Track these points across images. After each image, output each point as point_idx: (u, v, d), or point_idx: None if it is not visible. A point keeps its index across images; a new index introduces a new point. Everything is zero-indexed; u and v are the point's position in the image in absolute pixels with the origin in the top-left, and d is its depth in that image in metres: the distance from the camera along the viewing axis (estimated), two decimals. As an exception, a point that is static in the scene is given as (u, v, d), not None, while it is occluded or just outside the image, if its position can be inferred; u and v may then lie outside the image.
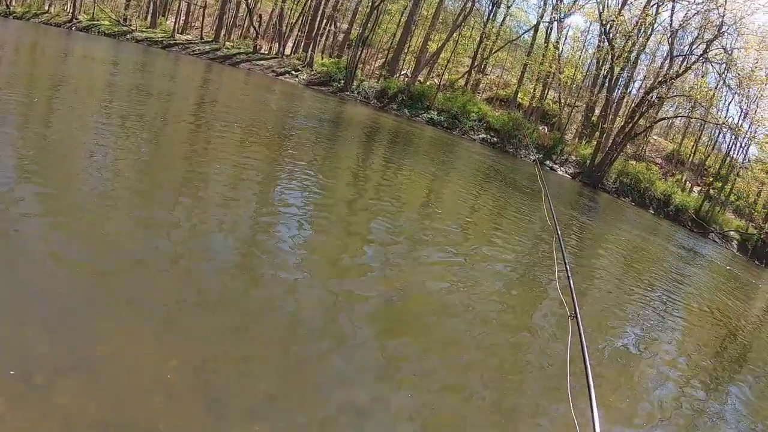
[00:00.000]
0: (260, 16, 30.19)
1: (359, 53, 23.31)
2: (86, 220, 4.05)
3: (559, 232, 4.32)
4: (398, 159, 11.34)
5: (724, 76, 29.13)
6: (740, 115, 31.39)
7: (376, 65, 25.82)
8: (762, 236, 32.01)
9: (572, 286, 3.10)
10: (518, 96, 27.98)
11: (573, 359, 2.94)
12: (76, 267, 3.39)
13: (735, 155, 32.96)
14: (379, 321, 3.91)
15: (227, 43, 26.76)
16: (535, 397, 3.76)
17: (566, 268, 3.44)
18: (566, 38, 30.76)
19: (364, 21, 25.81)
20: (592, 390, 2.11)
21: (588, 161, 25.20)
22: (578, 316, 2.70)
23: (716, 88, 30.40)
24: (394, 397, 3.14)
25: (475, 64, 26.75)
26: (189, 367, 2.78)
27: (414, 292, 4.54)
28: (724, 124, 29.85)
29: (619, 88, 28.29)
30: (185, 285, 3.58)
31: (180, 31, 28.47)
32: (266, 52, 26.39)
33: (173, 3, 34.27)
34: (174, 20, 30.71)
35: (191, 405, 2.54)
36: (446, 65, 26.11)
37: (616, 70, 26.89)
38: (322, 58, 25.89)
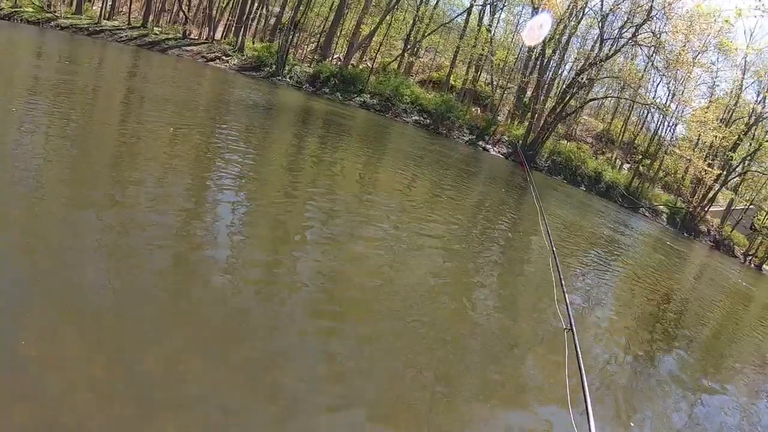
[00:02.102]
0: (189, 1, 30.31)
1: (291, 37, 23.79)
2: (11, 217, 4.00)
3: (554, 250, 4.85)
4: (332, 143, 11.54)
5: (652, 58, 31.00)
6: (668, 96, 33.46)
7: (309, 49, 26.31)
8: (690, 210, 34.52)
9: (568, 302, 3.52)
10: (451, 78, 29.09)
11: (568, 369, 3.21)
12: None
13: (663, 134, 35.33)
14: (316, 306, 3.97)
15: (155, 28, 26.60)
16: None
17: (562, 285, 3.95)
18: (499, 21, 32.18)
19: (295, 4, 26.42)
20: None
21: (520, 141, 26.65)
22: (573, 329, 3.07)
23: (645, 70, 32.43)
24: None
25: (408, 47, 27.66)
26: (117, 363, 2.77)
27: (351, 273, 4.66)
28: (652, 104, 32.02)
29: (550, 70, 29.80)
30: (114, 279, 3.52)
31: (107, 16, 28.07)
32: (196, 38, 26.33)
33: (98, -13, 33.84)
34: (101, 6, 30.35)
35: (120, 402, 2.54)
36: (379, 48, 26.87)
37: (548, 52, 28.41)
38: (254, 42, 26.07)
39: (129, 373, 2.72)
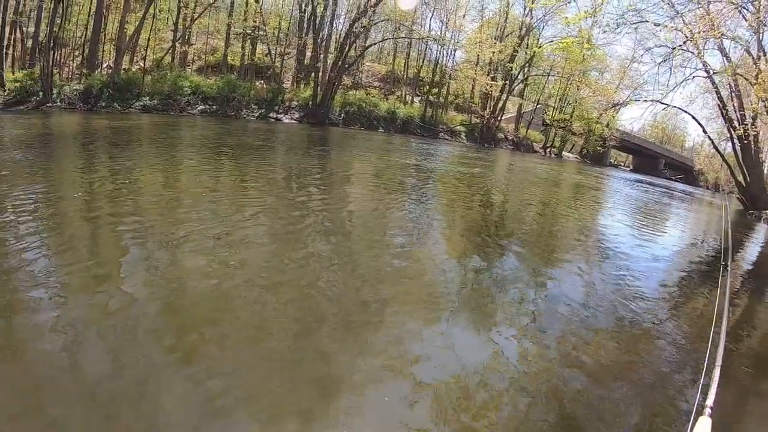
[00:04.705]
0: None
1: (52, 56, 23.51)
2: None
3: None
4: (123, 159, 10.73)
5: (421, -5, 34.59)
6: (442, 27, 37.41)
7: (76, 65, 25.95)
8: (485, 123, 39.69)
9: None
10: (228, 58, 30.66)
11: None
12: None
13: (445, 62, 39.67)
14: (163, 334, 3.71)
15: None
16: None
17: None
18: (265, -11, 33.86)
19: (50, 18, 25.61)
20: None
21: (310, 102, 29.22)
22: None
23: (416, 7, 35.85)
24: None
25: (178, 36, 28.59)
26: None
27: (187, 288, 4.47)
28: (428, 37, 35.83)
29: (325, 27, 31.89)
30: None
31: None
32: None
33: None
34: None
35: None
36: (148, 45, 27.33)
37: (319, 10, 30.85)
38: (13, 73, 24.47)
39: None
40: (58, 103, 22.01)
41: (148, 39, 27.55)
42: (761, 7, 14.75)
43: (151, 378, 3.11)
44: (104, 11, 26.80)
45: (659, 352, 4.78)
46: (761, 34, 18.83)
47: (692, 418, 2.17)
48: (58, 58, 24.70)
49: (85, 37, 26.44)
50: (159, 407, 2.89)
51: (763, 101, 17.99)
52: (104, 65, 25.98)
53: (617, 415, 3.59)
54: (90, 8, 27.31)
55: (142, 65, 26.14)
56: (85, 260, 4.79)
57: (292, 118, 28.09)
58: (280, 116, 27.74)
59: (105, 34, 27.02)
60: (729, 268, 5.74)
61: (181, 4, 28.83)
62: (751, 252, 13.10)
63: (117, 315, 3.80)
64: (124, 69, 25.42)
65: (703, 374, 2.68)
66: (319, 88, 29.50)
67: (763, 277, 10.01)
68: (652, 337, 5.11)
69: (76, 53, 26.88)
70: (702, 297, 7.03)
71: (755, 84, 16.86)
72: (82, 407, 2.83)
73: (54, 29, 23.73)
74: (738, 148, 23.93)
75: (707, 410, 2.17)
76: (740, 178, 25.28)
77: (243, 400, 3.04)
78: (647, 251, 9.62)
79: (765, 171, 31.12)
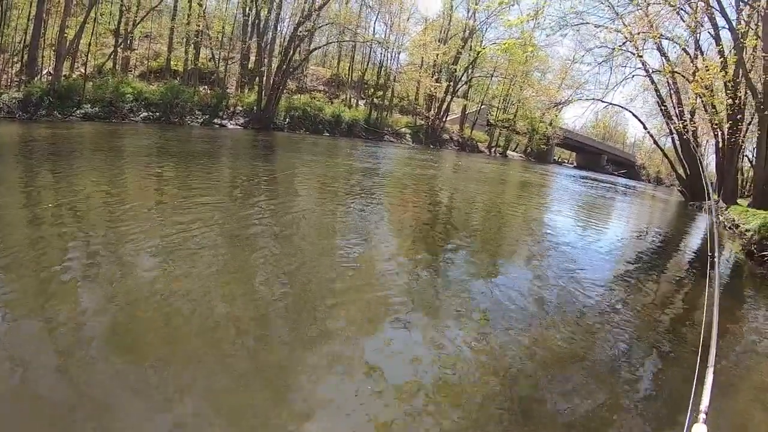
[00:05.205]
0: None
1: None
2: None
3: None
4: (64, 171, 10.45)
5: (364, -1, 35.39)
6: (386, 30, 38.47)
7: (14, 71, 25.57)
8: (429, 124, 40.86)
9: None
10: (171, 63, 30.75)
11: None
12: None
13: (389, 65, 40.74)
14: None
15: None
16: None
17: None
18: (208, -8, 34.00)
19: None
20: None
21: (255, 107, 29.67)
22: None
23: (360, 11, 36.73)
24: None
25: (120, 41, 28.52)
26: None
27: (133, 301, 4.39)
28: (373, 40, 36.71)
29: (269, 31, 32.53)
30: None
31: None
32: None
33: None
34: None
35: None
36: (89, 50, 27.18)
37: (263, 14, 31.28)
38: None
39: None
40: (-4, 114, 21.63)
41: (89, 44, 27.34)
42: (698, 8, 16.02)
43: (100, 393, 3.11)
44: (44, 15, 26.06)
45: (649, 358, 4.91)
46: (698, 35, 20.46)
47: (686, 425, 2.14)
48: (-5, 64, 24.45)
49: (24, 43, 26.04)
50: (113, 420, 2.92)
51: (701, 97, 19.44)
52: (44, 72, 25.68)
53: (607, 424, 3.69)
54: (30, 12, 26.69)
55: (83, 71, 25.94)
56: (25, 275, 4.68)
57: (236, 124, 28.50)
58: (224, 122, 28.10)
59: (45, 40, 26.56)
60: (717, 264, 5.93)
61: (123, 8, 28.58)
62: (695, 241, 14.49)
63: (63, 331, 3.76)
64: (65, 75, 25.22)
65: (695, 379, 2.60)
66: (263, 92, 30.04)
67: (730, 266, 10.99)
68: (642, 342, 5.25)
69: (15, 59, 26.46)
70: (676, 289, 7.81)
71: (692, 81, 18.22)
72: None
73: (-9, 34, 23.65)
74: (678, 143, 25.76)
75: (701, 416, 2.17)
76: (681, 171, 27.06)
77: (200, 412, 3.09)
78: (610, 247, 10.63)
79: (704, 164, 33.29)
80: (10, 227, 6.19)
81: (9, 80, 24.98)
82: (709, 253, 5.37)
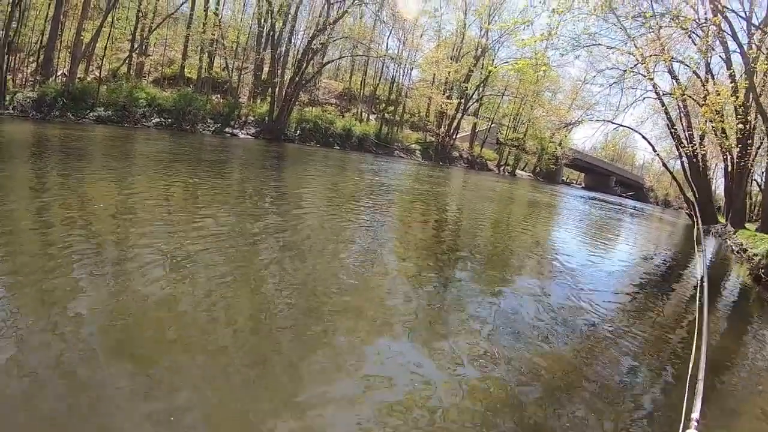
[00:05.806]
0: None
1: (6, 61, 23.58)
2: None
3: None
4: (76, 173, 10.48)
5: (379, 14, 35.62)
6: (399, 46, 38.79)
7: (30, 71, 25.89)
8: (440, 141, 41.01)
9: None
10: (185, 71, 31.09)
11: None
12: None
13: (401, 80, 41.02)
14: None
15: None
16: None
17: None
18: (225, 3, 34.47)
19: (5, 22, 25.61)
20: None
21: (266, 118, 29.85)
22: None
23: (374, 26, 36.99)
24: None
25: (136, 47, 28.89)
26: None
27: (140, 302, 4.43)
28: (386, 56, 37.02)
29: (284, 43, 32.75)
30: None
31: None
32: None
33: None
34: None
35: None
36: (104, 54, 27.45)
37: (278, 25, 31.60)
38: None
39: None
40: (10, 111, 21.98)
41: (105, 48, 27.62)
42: (709, 32, 16.14)
43: (104, 399, 3.10)
44: (61, 17, 26.61)
45: (641, 368, 5.04)
46: (709, 58, 20.53)
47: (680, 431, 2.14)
48: (13, 63, 24.69)
49: (41, 43, 26.39)
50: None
51: (711, 122, 19.47)
52: (59, 73, 25.95)
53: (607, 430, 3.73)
54: (48, 13, 27.09)
55: (98, 75, 26.19)
56: (32, 279, 4.60)
57: (247, 134, 28.66)
58: (235, 131, 28.27)
59: (61, 41, 26.93)
60: (706, 283, 6.12)
61: (140, 14, 29.02)
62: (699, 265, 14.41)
63: (67, 338, 3.71)
64: (79, 78, 25.53)
65: (687, 387, 2.66)
66: (275, 103, 30.25)
67: (723, 286, 11.05)
68: (633, 353, 5.33)
69: (31, 59, 26.77)
70: (681, 310, 7.73)
71: (703, 105, 18.20)
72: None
73: (9, 33, 23.81)
74: (687, 166, 25.64)
75: (693, 423, 2.21)
76: (689, 194, 27.01)
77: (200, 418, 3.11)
78: (615, 266, 10.67)
79: (712, 188, 33.27)
80: (15, 228, 6.14)
81: (24, 80, 25.30)
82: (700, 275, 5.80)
